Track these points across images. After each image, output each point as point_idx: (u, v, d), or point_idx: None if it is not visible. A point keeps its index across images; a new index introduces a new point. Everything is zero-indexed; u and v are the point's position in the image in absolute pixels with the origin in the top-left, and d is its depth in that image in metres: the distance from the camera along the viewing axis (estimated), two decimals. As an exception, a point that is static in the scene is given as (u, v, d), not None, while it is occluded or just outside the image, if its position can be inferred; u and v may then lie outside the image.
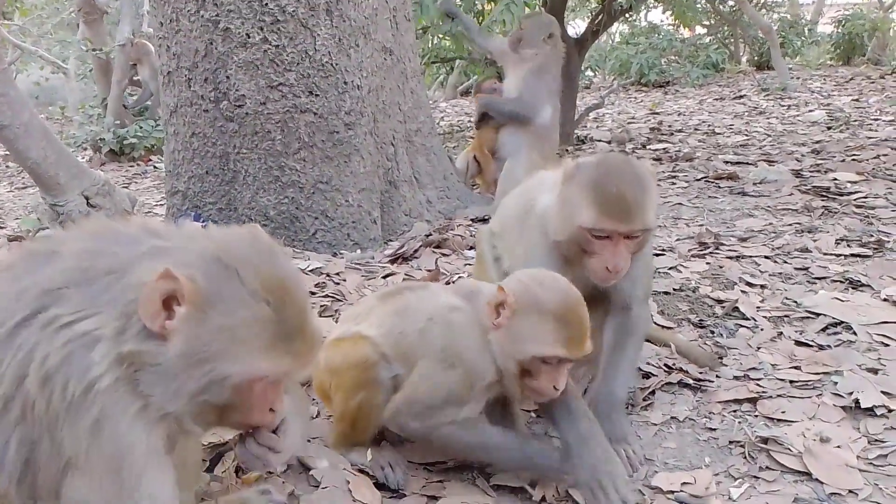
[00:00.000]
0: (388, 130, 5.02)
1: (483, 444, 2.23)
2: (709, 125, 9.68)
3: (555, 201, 2.54)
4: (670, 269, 4.10)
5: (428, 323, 2.23)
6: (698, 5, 17.22)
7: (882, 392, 2.64)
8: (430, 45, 9.26)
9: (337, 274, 4.15)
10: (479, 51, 7.04)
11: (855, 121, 8.94)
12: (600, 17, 7.79)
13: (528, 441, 2.29)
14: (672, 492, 2.23)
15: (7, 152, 5.99)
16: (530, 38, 5.74)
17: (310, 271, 4.13)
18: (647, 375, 2.92)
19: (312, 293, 3.79)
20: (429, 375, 2.20)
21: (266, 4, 4.35)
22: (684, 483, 2.27)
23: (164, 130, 5.09)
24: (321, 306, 3.62)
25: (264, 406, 1.61)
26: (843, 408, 2.60)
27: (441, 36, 8.61)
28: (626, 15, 10.40)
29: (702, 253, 4.35)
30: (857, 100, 11.15)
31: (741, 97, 12.67)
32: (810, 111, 10.18)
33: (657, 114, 11.59)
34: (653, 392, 2.81)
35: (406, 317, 2.30)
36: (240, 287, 1.47)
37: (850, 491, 2.19)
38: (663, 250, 4.43)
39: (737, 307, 3.49)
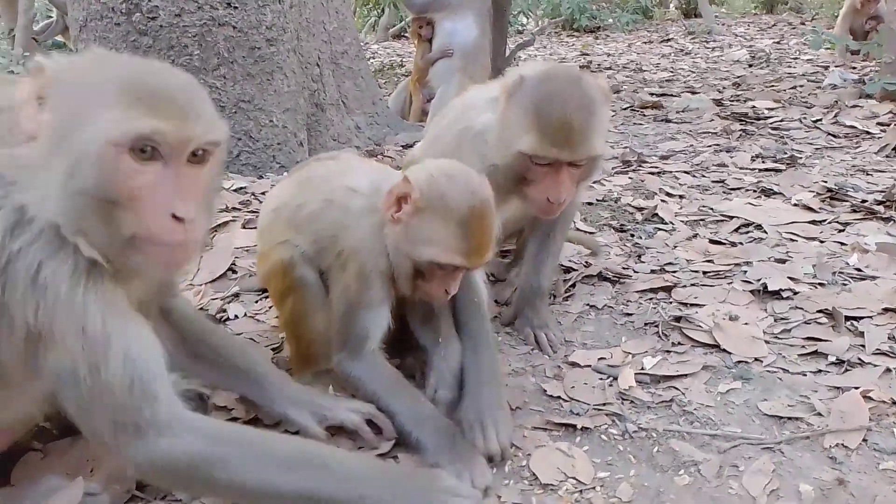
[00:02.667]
0: (312, 50, 4.90)
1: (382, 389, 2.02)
2: (636, 64, 9.80)
3: (494, 121, 2.36)
4: (594, 182, 4.18)
5: (324, 203, 2.13)
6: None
7: (788, 277, 2.77)
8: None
9: (262, 193, 4.07)
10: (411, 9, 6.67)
11: (775, 59, 9.19)
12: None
13: (424, 403, 2.01)
14: (588, 366, 2.30)
15: None
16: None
17: (234, 190, 4.04)
18: (567, 270, 2.99)
19: (236, 209, 3.72)
20: (334, 286, 2.10)
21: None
22: (601, 358, 2.35)
23: (73, 48, 4.84)
24: (245, 220, 3.56)
25: (160, 199, 1.35)
26: (752, 292, 2.72)
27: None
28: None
29: (625, 170, 4.45)
30: (778, 42, 11.45)
31: (668, 40, 12.85)
32: (733, 51, 10.41)
33: (587, 55, 11.66)
34: (573, 285, 2.88)
35: (307, 189, 2.23)
36: (97, 67, 1.41)
37: (756, 359, 2.30)
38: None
39: (656, 213, 3.59)
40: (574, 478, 1.82)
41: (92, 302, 1.38)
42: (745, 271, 2.87)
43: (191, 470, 1.47)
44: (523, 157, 2.22)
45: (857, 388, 2.09)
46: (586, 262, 3.03)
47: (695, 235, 3.32)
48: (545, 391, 2.19)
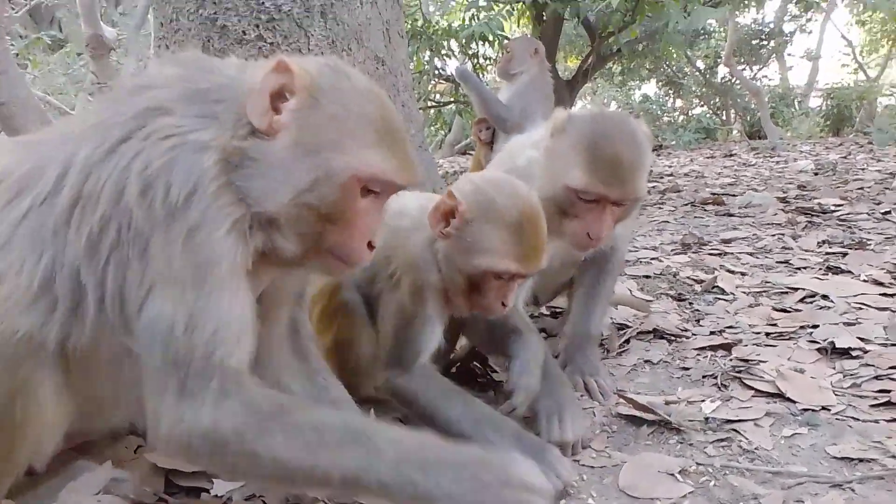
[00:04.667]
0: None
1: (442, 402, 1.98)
2: (698, 173, 9.83)
3: (541, 155, 2.40)
4: (652, 259, 4.12)
5: None
6: (689, 76, 17.85)
7: (858, 337, 2.62)
8: (425, 89, 9.51)
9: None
10: (491, 119, 6.62)
11: (841, 169, 9.09)
12: (590, 58, 8.03)
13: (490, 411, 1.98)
14: (639, 405, 2.17)
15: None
16: (518, 55, 5.93)
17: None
18: (621, 327, 2.90)
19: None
20: (384, 307, 2.07)
21: (262, 3, 4.50)
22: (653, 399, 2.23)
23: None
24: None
25: (365, 229, 1.52)
26: (819, 350, 2.57)
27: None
28: (617, 65, 10.66)
29: (684, 251, 4.38)
30: (845, 157, 11.35)
31: (731, 155, 12.89)
32: (798, 163, 10.35)
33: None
34: (627, 340, 2.79)
35: None
36: (351, 84, 1.49)
37: (824, 407, 2.15)
38: (646, 248, 4.46)
39: (716, 285, 3.48)
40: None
41: (224, 265, 1.39)
42: (811, 332, 2.73)
43: (236, 444, 1.36)
44: (569, 192, 2.23)
45: (937, 434, 1.92)
46: (641, 321, 2.94)
47: (758, 304, 3.20)
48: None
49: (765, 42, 18.14)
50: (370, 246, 1.54)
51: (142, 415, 1.85)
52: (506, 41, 6.65)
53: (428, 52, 7.98)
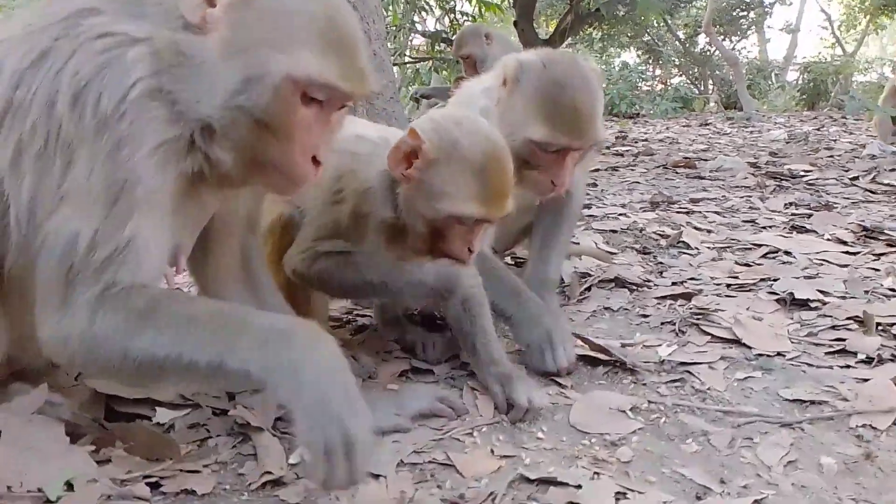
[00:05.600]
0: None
1: (364, 280, 1.97)
2: (672, 139, 9.82)
3: (495, 105, 2.35)
4: (619, 215, 4.11)
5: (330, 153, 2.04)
6: (668, 45, 17.82)
7: (818, 290, 2.62)
8: (402, 45, 9.35)
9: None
10: None
11: (814, 139, 9.13)
12: (568, 17, 7.93)
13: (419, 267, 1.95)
14: (596, 346, 2.16)
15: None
16: (478, 52, 5.88)
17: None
18: (583, 275, 2.88)
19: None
20: (316, 210, 2.00)
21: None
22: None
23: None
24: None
25: (308, 142, 1.43)
26: (778, 300, 2.57)
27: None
28: (594, 26, 10.57)
29: (652, 209, 4.37)
30: (818, 129, 11.40)
31: (707, 125, 12.90)
32: (771, 132, 10.39)
33: (623, 132, 11.76)
34: (589, 288, 2.77)
35: None
36: None
37: (779, 353, 2.14)
38: (614, 206, 4.44)
39: (682, 240, 3.47)
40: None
41: (142, 191, 1.33)
42: (772, 285, 2.73)
43: (108, 344, 1.33)
44: (531, 145, 2.21)
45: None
46: (604, 270, 2.92)
47: (721, 259, 3.20)
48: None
49: (744, 13, 18.12)
50: (315, 161, 1.46)
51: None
52: (455, 37, 6.50)
53: (403, 5, 7.81)
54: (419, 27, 8.86)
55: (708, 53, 17.86)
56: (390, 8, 7.43)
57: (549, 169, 2.24)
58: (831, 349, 2.17)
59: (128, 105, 1.30)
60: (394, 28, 8.30)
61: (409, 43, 9.35)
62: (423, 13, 8.55)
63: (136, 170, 1.32)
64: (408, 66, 9.53)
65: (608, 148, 8.31)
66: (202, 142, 1.38)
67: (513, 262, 3.21)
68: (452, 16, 8.42)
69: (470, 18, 8.45)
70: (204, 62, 1.34)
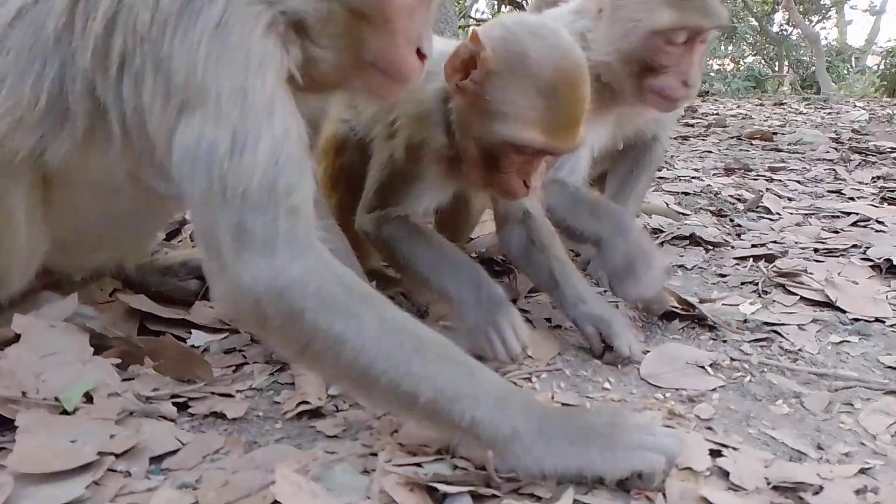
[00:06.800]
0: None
1: (430, 256, 1.73)
2: (745, 114, 9.37)
3: (595, 21, 2.09)
4: (692, 178, 3.86)
5: None
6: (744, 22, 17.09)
7: (918, 259, 2.36)
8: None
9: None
10: None
11: (897, 121, 8.60)
12: None
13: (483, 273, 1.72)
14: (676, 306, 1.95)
15: None
16: None
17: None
18: (655, 231, 2.67)
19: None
20: (376, 154, 1.81)
21: None
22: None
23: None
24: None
25: (412, 32, 1.25)
26: (873, 267, 2.32)
27: None
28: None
29: (727, 175, 4.10)
30: (900, 114, 10.79)
31: (782, 104, 12.32)
32: (850, 114, 9.84)
33: (693, 108, 11.31)
34: (661, 244, 2.56)
35: None
36: None
37: (878, 319, 1.91)
38: (686, 170, 4.18)
39: (761, 204, 3.22)
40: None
41: (270, 73, 1.15)
42: (865, 251, 2.47)
43: (303, 311, 1.10)
44: (655, 38, 1.96)
45: None
46: (677, 227, 2.70)
47: (806, 224, 2.94)
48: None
49: (827, -9, 17.25)
50: (420, 55, 1.27)
51: (127, 257, 1.71)
52: None
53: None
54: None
55: (785, 33, 17.06)
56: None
57: (678, 66, 1.99)
58: (937, 318, 1.93)
59: None
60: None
61: (475, 3, 9.10)
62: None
63: (256, 50, 1.13)
64: (471, 27, 9.21)
65: (677, 119, 7.96)
66: (299, 38, 1.21)
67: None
68: None
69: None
70: None
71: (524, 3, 6.99)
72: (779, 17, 18.02)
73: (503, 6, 8.35)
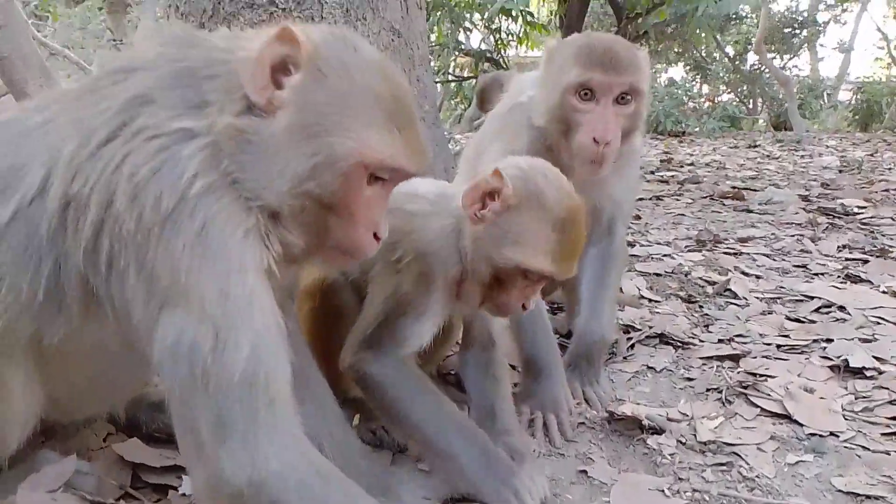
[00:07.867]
0: (390, 111, 4.97)
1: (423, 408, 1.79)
2: (719, 163, 9.61)
3: (538, 85, 2.35)
4: (664, 255, 3.99)
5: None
6: (717, 62, 17.49)
7: (874, 356, 2.49)
8: (446, 63, 9.32)
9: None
10: None
11: (867, 167, 8.84)
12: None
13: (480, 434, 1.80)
14: (637, 420, 2.06)
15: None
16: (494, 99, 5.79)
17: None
18: (626, 329, 2.79)
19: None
20: (377, 287, 1.87)
21: (277, -32, 4.35)
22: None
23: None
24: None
25: (371, 219, 1.39)
26: (831, 367, 2.45)
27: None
28: (642, 42, 10.40)
29: (698, 249, 4.24)
30: (871, 154, 11.07)
31: (755, 146, 12.61)
32: (822, 158, 10.11)
33: (668, 153, 11.55)
34: (632, 346, 2.67)
35: None
36: (360, 58, 1.34)
37: (832, 433, 2.03)
38: (659, 244, 4.32)
39: (729, 288, 3.35)
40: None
41: (250, 273, 1.25)
42: (825, 347, 2.60)
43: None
44: (568, 97, 2.18)
45: (953, 472, 1.80)
46: (649, 324, 2.82)
47: (770, 312, 3.07)
48: (590, 439, 1.99)
49: (797, 31, 17.73)
50: (376, 237, 1.41)
51: (118, 404, 1.79)
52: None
53: (449, 24, 7.77)
54: (463, 46, 8.81)
55: (758, 71, 17.48)
56: (435, 28, 7.39)
57: (590, 123, 2.17)
58: (888, 430, 2.05)
59: (191, 199, 1.22)
60: (438, 46, 8.27)
61: (453, 61, 9.30)
62: (468, 32, 8.50)
63: (237, 252, 1.24)
64: (451, 82, 9.47)
65: (651, 173, 8.17)
66: (272, 228, 1.32)
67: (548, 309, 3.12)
68: (497, 35, 8.35)
69: (515, 38, 8.39)
70: (268, 148, 1.27)
71: (502, 62, 7.23)
72: (752, 55, 18.45)
73: (482, 63, 8.57)
